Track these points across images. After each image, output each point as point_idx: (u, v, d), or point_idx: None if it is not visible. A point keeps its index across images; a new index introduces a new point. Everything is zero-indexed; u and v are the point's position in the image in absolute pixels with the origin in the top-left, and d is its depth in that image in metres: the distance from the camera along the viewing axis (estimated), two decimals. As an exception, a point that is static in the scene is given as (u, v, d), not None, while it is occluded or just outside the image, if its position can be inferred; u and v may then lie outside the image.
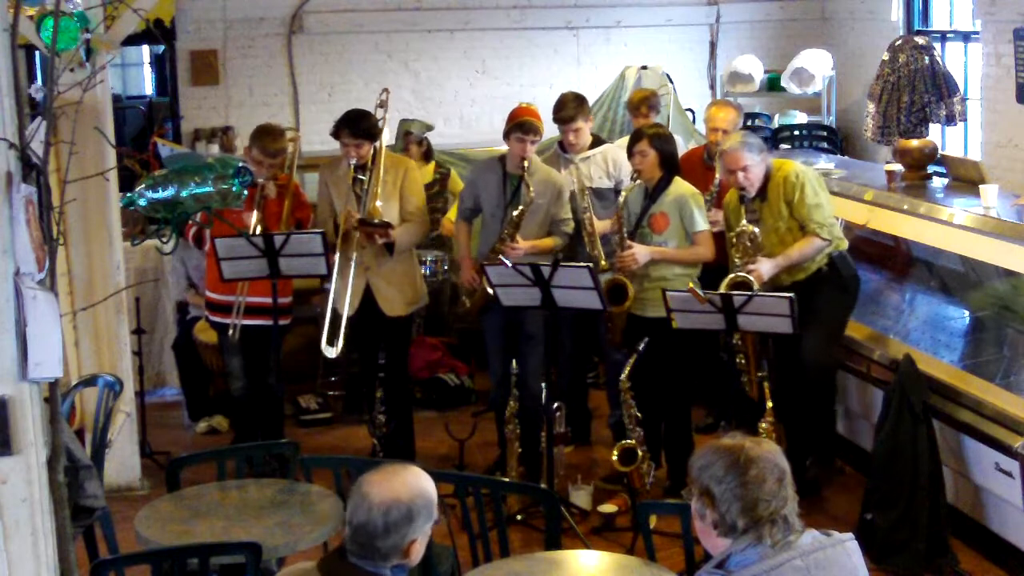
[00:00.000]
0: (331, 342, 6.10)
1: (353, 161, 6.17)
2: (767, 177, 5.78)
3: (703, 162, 6.74)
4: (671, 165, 6.04)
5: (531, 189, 6.03)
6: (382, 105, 6.36)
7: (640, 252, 5.93)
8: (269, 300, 6.11)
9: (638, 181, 6.01)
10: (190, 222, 6.34)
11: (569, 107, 6.55)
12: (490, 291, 5.84)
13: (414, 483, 2.90)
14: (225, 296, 6.30)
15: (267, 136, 6.28)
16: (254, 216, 6.13)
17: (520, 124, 6.10)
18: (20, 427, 3.01)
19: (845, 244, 5.90)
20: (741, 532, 2.72)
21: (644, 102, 7.29)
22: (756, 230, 5.72)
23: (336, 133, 6.24)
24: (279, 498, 4.44)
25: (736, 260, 5.76)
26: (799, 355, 5.79)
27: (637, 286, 5.96)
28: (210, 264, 6.33)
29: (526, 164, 6.05)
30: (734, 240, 5.79)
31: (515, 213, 6.07)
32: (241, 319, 6.25)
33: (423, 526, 2.90)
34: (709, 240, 6.04)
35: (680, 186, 6.06)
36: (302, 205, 6.52)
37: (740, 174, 5.70)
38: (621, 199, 6.05)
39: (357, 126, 6.15)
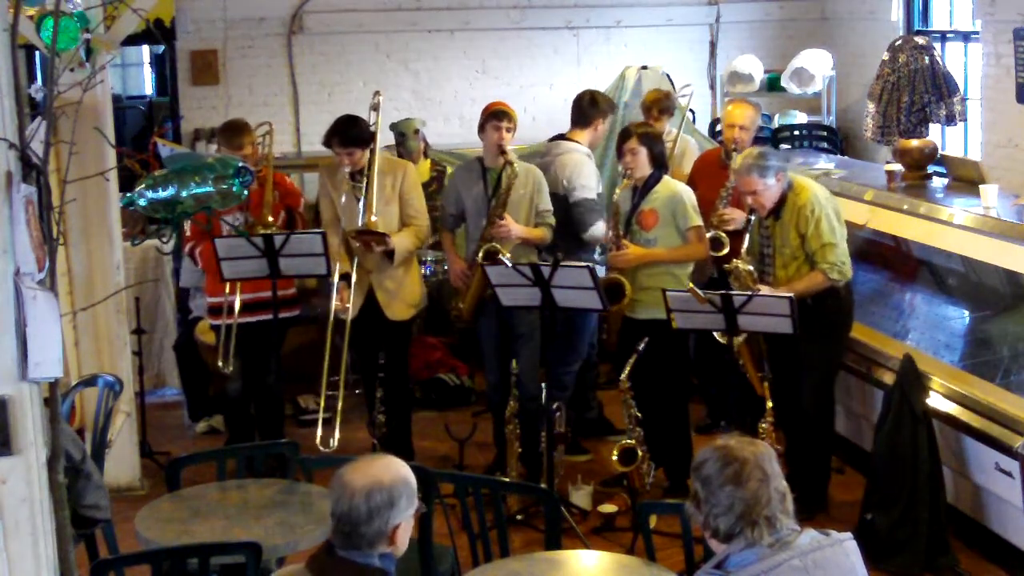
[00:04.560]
0: (226, 359, 6.23)
1: (347, 169, 6.17)
2: (784, 197, 5.65)
3: (720, 162, 6.70)
4: (660, 163, 6.05)
5: (515, 166, 6.06)
6: (375, 108, 6.35)
7: (634, 252, 5.94)
8: (269, 294, 6.13)
9: (628, 180, 6.03)
10: (187, 236, 6.38)
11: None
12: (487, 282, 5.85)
13: (392, 468, 2.94)
14: (220, 298, 6.32)
15: (230, 132, 6.41)
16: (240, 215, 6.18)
17: (494, 113, 6.17)
18: (20, 427, 3.01)
19: (846, 279, 5.72)
20: (724, 536, 2.74)
21: (656, 104, 7.26)
22: (751, 268, 5.65)
23: (327, 143, 6.26)
24: (279, 498, 4.44)
25: (735, 289, 5.74)
26: (800, 403, 5.78)
27: (633, 290, 5.96)
28: (208, 270, 6.35)
29: (505, 151, 6.08)
30: (731, 270, 5.75)
31: (502, 190, 6.09)
32: (236, 318, 6.26)
33: (405, 510, 2.91)
34: (702, 235, 6.05)
35: (671, 184, 6.08)
36: (290, 193, 6.54)
37: (750, 198, 5.64)
38: (616, 196, 6.05)
39: (346, 134, 6.15)
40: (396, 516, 2.90)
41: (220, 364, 6.31)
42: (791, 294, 5.33)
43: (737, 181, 5.70)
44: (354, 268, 6.18)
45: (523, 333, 6.14)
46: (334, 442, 6.09)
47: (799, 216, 5.61)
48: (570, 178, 6.36)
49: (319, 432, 6.09)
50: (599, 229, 6.33)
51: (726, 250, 6.14)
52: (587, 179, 6.40)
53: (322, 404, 6.20)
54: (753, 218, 5.73)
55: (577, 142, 6.62)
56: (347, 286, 6.17)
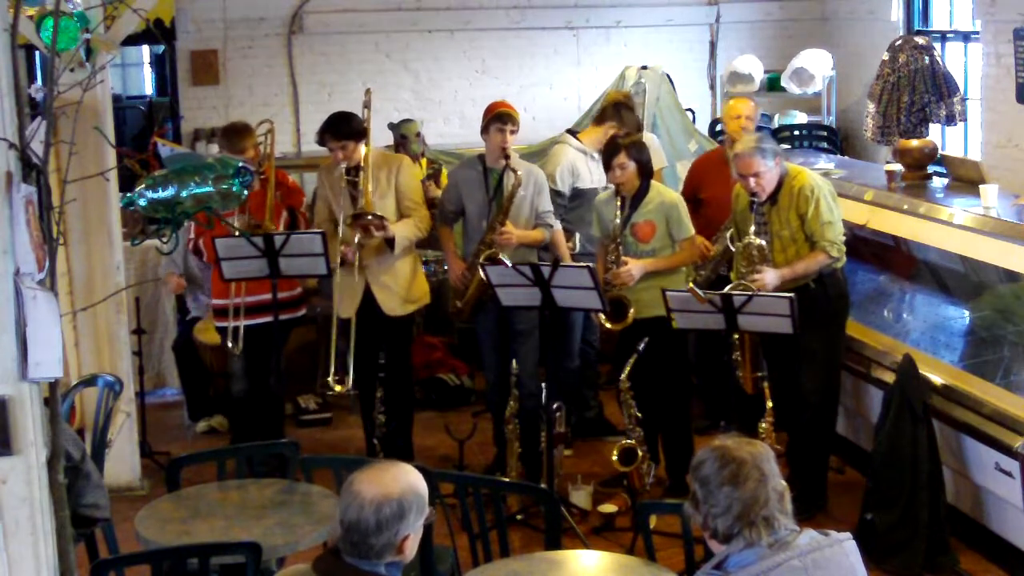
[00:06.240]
0: (341, 379, 6.20)
1: (343, 164, 6.18)
2: (780, 182, 5.70)
3: (724, 160, 6.68)
4: (647, 172, 6.03)
5: (518, 172, 6.06)
6: (367, 105, 6.36)
7: (635, 268, 5.93)
8: (270, 296, 6.13)
9: (611, 190, 6.03)
10: (187, 237, 6.38)
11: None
12: (488, 282, 5.85)
13: (404, 479, 2.91)
14: (226, 301, 6.31)
15: (232, 135, 6.42)
16: (242, 220, 6.16)
17: (499, 115, 6.15)
18: (20, 427, 3.01)
19: (842, 263, 5.79)
20: (723, 537, 2.74)
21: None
22: (763, 243, 5.68)
23: (321, 139, 6.28)
24: (279, 498, 4.44)
25: (742, 268, 5.75)
26: (801, 395, 5.78)
27: (628, 290, 5.95)
28: (214, 272, 6.35)
29: (509, 155, 6.09)
30: (741, 249, 5.77)
31: (504, 196, 6.10)
32: (243, 320, 6.27)
33: (415, 522, 2.90)
34: (695, 244, 6.10)
35: (662, 193, 6.07)
36: (292, 192, 6.55)
37: (752, 180, 5.63)
38: (616, 219, 6.02)
39: (339, 129, 6.16)
40: (405, 528, 2.88)
41: (229, 345, 6.29)
42: (792, 295, 5.34)
43: (737, 164, 5.69)
44: (356, 265, 6.17)
45: (522, 330, 6.15)
46: (350, 380, 6.16)
47: (798, 197, 5.65)
48: (543, 167, 6.53)
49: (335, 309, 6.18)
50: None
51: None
52: (555, 171, 6.52)
53: (333, 386, 6.22)
54: (755, 199, 5.72)
55: (578, 138, 6.68)
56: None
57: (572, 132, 6.92)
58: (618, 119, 6.67)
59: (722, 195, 6.37)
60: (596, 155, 6.70)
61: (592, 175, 6.68)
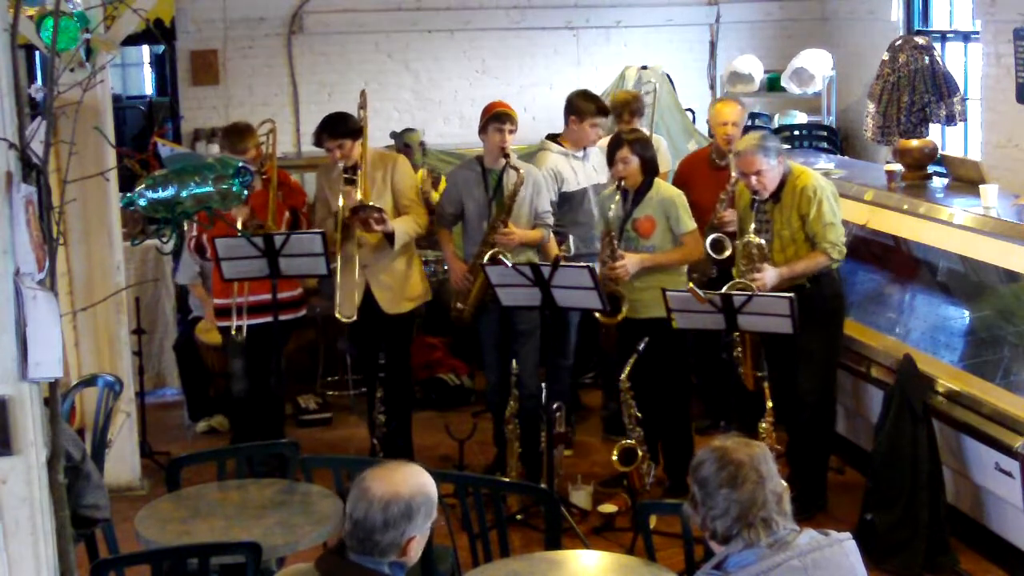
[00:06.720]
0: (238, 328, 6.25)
1: (341, 164, 6.19)
2: (783, 181, 5.70)
3: (709, 162, 6.70)
4: (651, 169, 6.03)
5: (520, 171, 6.06)
6: (362, 107, 6.37)
7: (631, 263, 5.93)
8: (270, 296, 6.13)
9: (615, 185, 6.02)
10: (190, 235, 6.38)
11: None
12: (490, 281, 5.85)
13: (415, 480, 2.92)
14: (228, 300, 6.32)
15: (234, 135, 6.43)
16: (244, 211, 6.16)
17: (497, 115, 6.17)
18: (20, 427, 3.01)
19: (842, 260, 5.79)
20: (722, 538, 2.74)
21: (626, 107, 7.20)
22: (763, 241, 5.67)
23: (317, 140, 6.32)
24: (279, 498, 4.44)
25: (742, 267, 5.75)
26: (799, 396, 5.78)
27: (629, 291, 5.95)
28: (214, 271, 6.36)
29: (508, 154, 6.09)
30: (741, 248, 5.77)
31: (506, 195, 6.10)
32: (245, 319, 6.27)
33: (422, 524, 2.90)
34: (697, 239, 6.07)
35: (663, 189, 6.08)
36: (294, 192, 6.55)
37: (753, 178, 5.62)
38: (611, 212, 6.02)
39: (335, 128, 6.21)
40: (412, 529, 2.88)
41: (232, 332, 6.29)
42: (792, 295, 5.34)
43: (739, 163, 5.68)
44: (357, 265, 6.18)
45: (524, 330, 6.16)
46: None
47: (801, 197, 5.64)
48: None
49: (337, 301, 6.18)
50: None
51: (728, 252, 6.14)
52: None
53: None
54: (757, 198, 5.71)
55: (558, 142, 6.69)
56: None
57: (553, 137, 6.88)
58: (575, 113, 6.67)
59: (707, 198, 6.38)
60: (578, 154, 6.71)
61: (577, 176, 6.68)
